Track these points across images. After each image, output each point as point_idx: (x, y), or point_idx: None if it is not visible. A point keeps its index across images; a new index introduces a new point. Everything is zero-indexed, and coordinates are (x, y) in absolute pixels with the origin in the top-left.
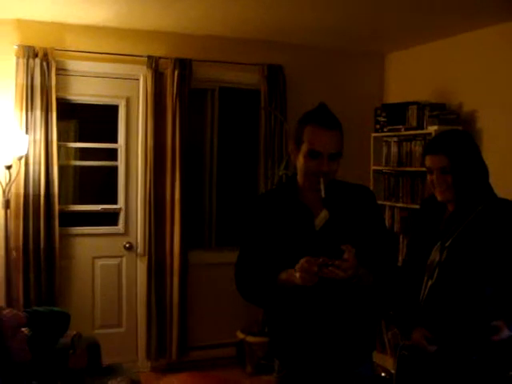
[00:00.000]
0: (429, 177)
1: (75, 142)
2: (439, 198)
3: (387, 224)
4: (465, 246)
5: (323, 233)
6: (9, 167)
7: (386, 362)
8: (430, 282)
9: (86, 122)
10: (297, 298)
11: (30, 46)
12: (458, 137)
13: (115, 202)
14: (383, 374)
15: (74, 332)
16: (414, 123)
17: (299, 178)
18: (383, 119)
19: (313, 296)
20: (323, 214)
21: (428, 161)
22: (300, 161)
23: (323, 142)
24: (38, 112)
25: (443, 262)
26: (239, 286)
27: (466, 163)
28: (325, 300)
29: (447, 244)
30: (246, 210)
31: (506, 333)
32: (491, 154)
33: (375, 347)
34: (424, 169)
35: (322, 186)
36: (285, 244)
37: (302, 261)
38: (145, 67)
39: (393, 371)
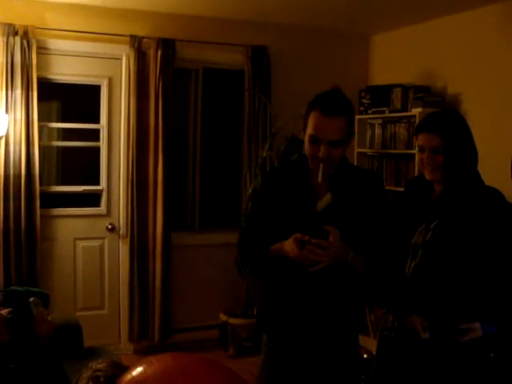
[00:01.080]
0: (419, 155)
1: (57, 122)
2: (428, 177)
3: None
4: (449, 229)
5: (323, 215)
6: None
7: (368, 345)
8: (413, 263)
9: (68, 102)
10: (289, 275)
11: (9, 24)
12: (452, 117)
13: (97, 183)
14: (365, 356)
15: (31, 298)
16: (399, 105)
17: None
18: (367, 101)
19: (305, 274)
20: (327, 197)
21: (420, 139)
22: (305, 144)
23: (323, 128)
24: (18, 91)
25: (427, 243)
26: (240, 251)
27: (458, 145)
28: (316, 278)
29: (432, 225)
30: (262, 179)
31: (478, 333)
32: (475, 137)
33: (362, 330)
34: (408, 151)
35: (321, 171)
36: (286, 221)
37: (291, 238)
38: (127, 47)
39: (374, 353)
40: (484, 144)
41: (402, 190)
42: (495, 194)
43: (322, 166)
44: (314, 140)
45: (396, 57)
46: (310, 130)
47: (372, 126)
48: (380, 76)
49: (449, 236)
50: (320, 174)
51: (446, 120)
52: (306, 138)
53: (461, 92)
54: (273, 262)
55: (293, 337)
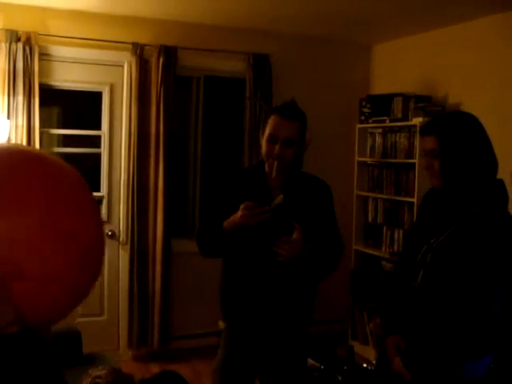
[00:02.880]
0: (423, 160)
1: (58, 128)
2: (431, 183)
3: (371, 216)
4: (450, 251)
5: (275, 214)
6: None
7: (367, 354)
8: (415, 284)
9: (70, 109)
10: (250, 262)
11: (12, 30)
12: (454, 118)
13: (98, 190)
14: (365, 365)
15: None
16: (399, 115)
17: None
18: (368, 110)
19: (264, 261)
20: (279, 198)
21: (421, 142)
22: (262, 145)
23: (279, 128)
24: (20, 97)
25: (428, 264)
26: (198, 241)
27: (456, 147)
28: (274, 266)
29: (434, 245)
30: (217, 183)
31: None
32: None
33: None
34: (408, 161)
35: (274, 168)
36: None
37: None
38: (129, 54)
39: (374, 362)
40: None
41: (401, 199)
42: (501, 218)
43: (276, 163)
44: (272, 139)
45: (397, 66)
46: (268, 131)
47: (372, 134)
48: (381, 85)
49: (448, 259)
50: (274, 171)
51: (444, 121)
52: (264, 139)
53: (461, 102)
54: (227, 237)
55: (250, 318)
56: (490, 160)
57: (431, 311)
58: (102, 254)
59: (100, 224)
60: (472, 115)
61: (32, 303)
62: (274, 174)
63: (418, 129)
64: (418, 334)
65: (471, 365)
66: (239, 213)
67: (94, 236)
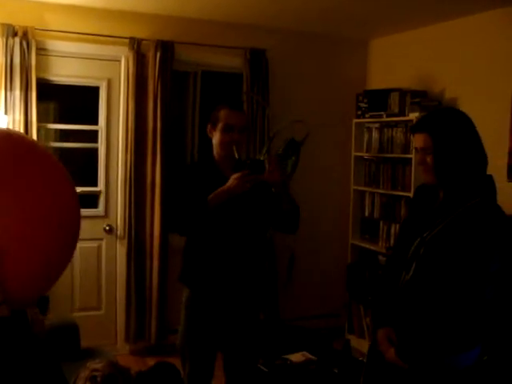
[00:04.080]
0: (415, 156)
1: (55, 123)
2: (423, 179)
3: (367, 210)
4: (442, 244)
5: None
6: None
7: (364, 347)
8: (406, 277)
9: (67, 104)
10: (214, 237)
11: (9, 25)
12: (445, 114)
13: (95, 185)
14: (361, 359)
15: None
16: (396, 110)
17: (216, 152)
18: (365, 105)
19: (228, 236)
20: (256, 161)
21: (414, 140)
22: (217, 136)
23: (234, 118)
24: (17, 92)
25: (420, 257)
26: (178, 221)
27: (449, 143)
28: (237, 241)
29: (427, 238)
30: (177, 174)
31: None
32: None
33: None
34: (405, 155)
35: (235, 151)
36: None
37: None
38: (127, 49)
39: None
40: None
41: (397, 194)
42: (492, 211)
43: (235, 147)
44: (228, 128)
45: (394, 61)
46: (223, 122)
47: (369, 129)
48: (378, 80)
49: (441, 252)
50: (236, 153)
51: (435, 118)
52: (219, 130)
53: (458, 97)
54: (212, 211)
55: (213, 285)
56: (480, 155)
57: (423, 303)
58: (78, 229)
59: (77, 205)
60: (462, 112)
61: (14, 281)
62: (236, 155)
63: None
64: (409, 325)
65: (461, 355)
66: (231, 181)
67: (71, 215)
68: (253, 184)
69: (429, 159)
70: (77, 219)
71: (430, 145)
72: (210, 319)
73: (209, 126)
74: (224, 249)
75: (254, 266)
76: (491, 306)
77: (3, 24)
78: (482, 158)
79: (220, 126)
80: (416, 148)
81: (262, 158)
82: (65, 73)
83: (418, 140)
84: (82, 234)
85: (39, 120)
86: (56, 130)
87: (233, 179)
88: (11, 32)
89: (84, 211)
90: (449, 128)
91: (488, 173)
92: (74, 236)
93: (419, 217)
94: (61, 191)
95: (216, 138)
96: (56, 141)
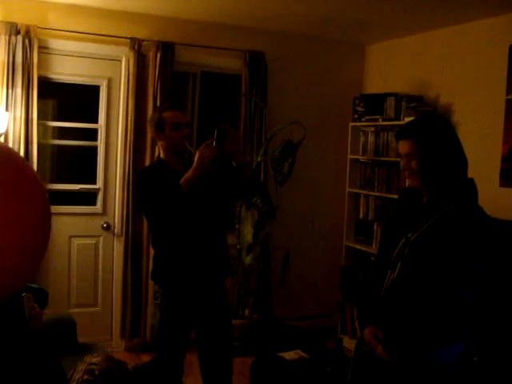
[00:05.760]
0: (400, 162)
1: (55, 120)
2: (408, 183)
3: (362, 212)
4: (427, 244)
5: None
6: None
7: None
8: (392, 276)
9: (67, 102)
10: (184, 236)
11: (12, 23)
12: (427, 121)
13: (94, 182)
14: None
15: (23, 294)
16: (392, 114)
17: (165, 154)
18: (361, 109)
19: (196, 231)
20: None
21: (398, 146)
22: (168, 136)
23: (180, 117)
24: (18, 89)
25: (405, 257)
26: (170, 210)
27: (433, 148)
28: (204, 234)
29: (411, 239)
30: (142, 177)
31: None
32: (465, 148)
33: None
34: (399, 159)
35: (188, 145)
36: None
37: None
38: (127, 49)
39: None
40: (474, 153)
41: (392, 196)
42: (474, 211)
43: (187, 142)
44: (177, 126)
45: (390, 66)
46: (172, 121)
47: (365, 133)
48: (374, 85)
49: (425, 252)
50: (188, 147)
51: (419, 124)
52: (169, 130)
53: (453, 102)
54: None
55: (183, 282)
56: (461, 159)
57: (408, 301)
58: (47, 238)
59: (46, 212)
60: (444, 118)
61: None
62: (188, 146)
63: None
64: (394, 322)
65: (443, 350)
66: (201, 150)
67: (37, 222)
68: (220, 149)
69: (413, 164)
70: (44, 225)
71: (414, 151)
72: (184, 311)
73: (153, 132)
74: (195, 234)
75: (221, 242)
76: (474, 303)
77: (6, 22)
78: (463, 161)
79: (168, 126)
80: (400, 154)
81: (259, 159)
82: (66, 71)
83: (402, 146)
84: (80, 230)
85: (40, 117)
86: (56, 127)
87: (202, 148)
88: (14, 30)
89: (82, 208)
90: (432, 134)
91: (481, 177)
92: (40, 244)
93: (403, 218)
94: (24, 196)
95: (166, 140)
96: (56, 138)
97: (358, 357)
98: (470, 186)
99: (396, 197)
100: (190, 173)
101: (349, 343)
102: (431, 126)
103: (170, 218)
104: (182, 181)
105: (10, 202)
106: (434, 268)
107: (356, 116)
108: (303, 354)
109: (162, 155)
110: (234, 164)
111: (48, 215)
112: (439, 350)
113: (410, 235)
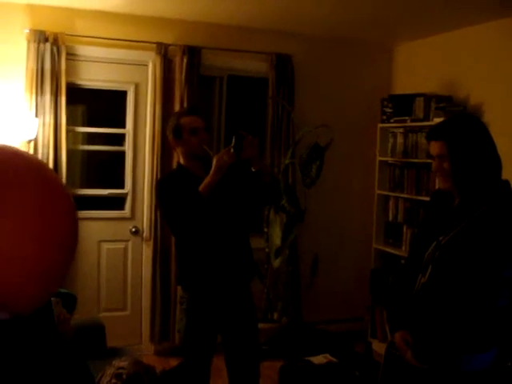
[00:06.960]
0: (432, 164)
1: (84, 126)
2: (440, 186)
3: (391, 215)
4: (458, 248)
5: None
6: None
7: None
8: (422, 280)
9: (95, 107)
10: (207, 243)
11: (40, 31)
12: (459, 121)
13: (122, 187)
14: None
15: (52, 298)
16: (421, 115)
17: (185, 160)
18: (390, 110)
19: (219, 237)
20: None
21: (429, 147)
22: (187, 142)
23: (197, 122)
24: (47, 96)
25: (436, 261)
26: (195, 216)
27: (465, 149)
28: (227, 240)
29: (442, 242)
30: (161, 186)
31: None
32: (497, 149)
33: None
34: (429, 160)
35: (208, 150)
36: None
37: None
38: (154, 54)
39: None
40: (506, 154)
41: (421, 198)
42: (506, 216)
43: (206, 147)
44: (195, 131)
45: (418, 66)
46: (190, 127)
47: (394, 134)
48: (402, 85)
49: (456, 255)
50: (208, 150)
51: (451, 125)
52: (187, 136)
53: (483, 102)
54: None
55: (209, 288)
56: (495, 160)
57: (438, 305)
58: (75, 246)
59: (74, 221)
60: (476, 118)
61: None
62: (208, 151)
63: None
64: (424, 327)
65: (475, 356)
66: (220, 155)
67: (67, 231)
68: (237, 155)
69: (445, 166)
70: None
71: (446, 152)
72: (210, 315)
73: (172, 139)
74: (218, 239)
75: (244, 245)
76: (505, 310)
77: (35, 30)
78: (496, 162)
79: (186, 132)
80: (432, 155)
81: (286, 162)
82: (93, 77)
83: (434, 147)
84: (109, 235)
85: (68, 123)
86: (84, 133)
87: (220, 154)
88: (42, 38)
89: (111, 213)
90: (464, 134)
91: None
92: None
93: (435, 221)
94: (55, 207)
95: (186, 145)
96: (84, 144)
97: (389, 361)
98: (505, 188)
99: (426, 199)
100: (208, 179)
101: (378, 347)
102: (463, 125)
103: (192, 224)
104: (201, 187)
105: (41, 215)
106: (465, 273)
107: (384, 117)
108: (332, 358)
109: (181, 161)
110: (253, 169)
111: (75, 223)
112: (470, 357)
113: (441, 238)
